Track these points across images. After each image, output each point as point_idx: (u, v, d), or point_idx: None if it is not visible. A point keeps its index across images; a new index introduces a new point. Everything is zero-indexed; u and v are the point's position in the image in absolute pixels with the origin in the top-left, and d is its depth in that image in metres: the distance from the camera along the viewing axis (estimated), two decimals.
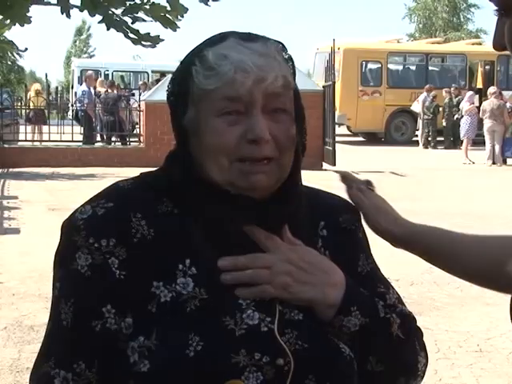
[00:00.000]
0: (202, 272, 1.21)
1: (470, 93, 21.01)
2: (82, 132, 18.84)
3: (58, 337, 1.22)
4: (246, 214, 1.23)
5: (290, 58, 1.27)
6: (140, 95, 18.55)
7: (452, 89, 23.24)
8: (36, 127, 20.04)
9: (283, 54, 1.26)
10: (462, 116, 20.02)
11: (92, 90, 20.28)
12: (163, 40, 6.02)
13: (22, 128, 18.30)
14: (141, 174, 1.32)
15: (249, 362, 1.15)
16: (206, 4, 6.33)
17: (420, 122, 23.64)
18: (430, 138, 23.32)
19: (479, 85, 25.67)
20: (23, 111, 19.80)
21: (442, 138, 23.49)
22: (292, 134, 1.26)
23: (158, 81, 24.02)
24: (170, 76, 1.41)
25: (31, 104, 19.98)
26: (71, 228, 1.23)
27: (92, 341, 1.19)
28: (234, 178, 1.22)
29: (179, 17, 5.92)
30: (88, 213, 1.23)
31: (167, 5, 5.97)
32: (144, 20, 5.90)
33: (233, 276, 1.21)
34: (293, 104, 1.27)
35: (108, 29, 5.89)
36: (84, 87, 21.16)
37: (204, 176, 1.24)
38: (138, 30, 5.91)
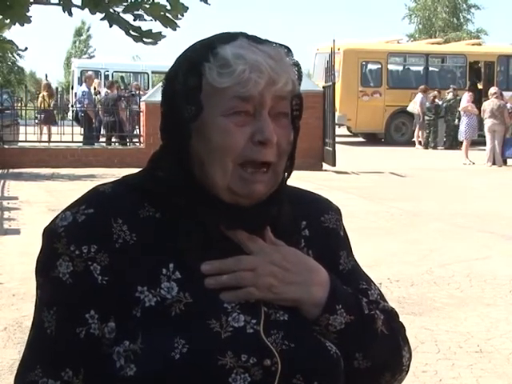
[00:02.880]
0: (186, 276, 1.20)
1: (467, 93, 21.00)
2: (82, 133, 18.84)
3: (43, 345, 1.21)
4: (229, 217, 1.22)
5: (296, 63, 1.25)
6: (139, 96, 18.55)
7: (450, 89, 23.25)
8: (45, 127, 20.02)
9: (290, 59, 1.25)
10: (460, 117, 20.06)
11: (92, 91, 20.29)
12: (165, 36, 6.01)
13: (22, 129, 18.28)
14: (123, 176, 1.30)
15: (236, 364, 1.15)
16: (206, 2, 6.34)
17: (415, 123, 23.61)
18: (430, 139, 23.31)
19: (479, 85, 25.63)
20: (22, 112, 19.76)
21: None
22: (291, 140, 1.25)
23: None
24: None
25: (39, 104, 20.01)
26: (52, 235, 1.23)
27: (77, 348, 1.19)
28: (234, 183, 1.21)
29: (179, 16, 5.92)
30: (68, 219, 1.22)
31: (167, 4, 5.97)
32: (144, 19, 5.91)
33: (217, 280, 1.20)
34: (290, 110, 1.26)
35: (110, 26, 5.88)
36: (84, 88, 21.18)
37: (199, 177, 1.22)
38: (139, 27, 5.91)
